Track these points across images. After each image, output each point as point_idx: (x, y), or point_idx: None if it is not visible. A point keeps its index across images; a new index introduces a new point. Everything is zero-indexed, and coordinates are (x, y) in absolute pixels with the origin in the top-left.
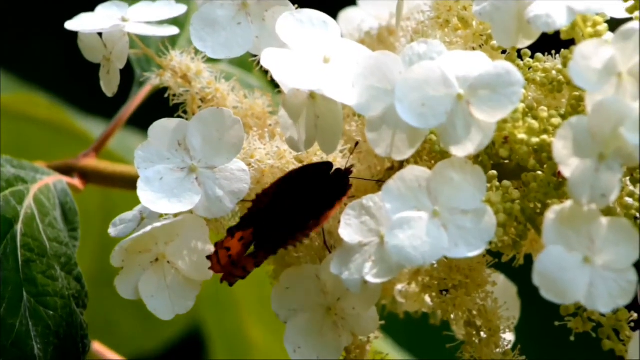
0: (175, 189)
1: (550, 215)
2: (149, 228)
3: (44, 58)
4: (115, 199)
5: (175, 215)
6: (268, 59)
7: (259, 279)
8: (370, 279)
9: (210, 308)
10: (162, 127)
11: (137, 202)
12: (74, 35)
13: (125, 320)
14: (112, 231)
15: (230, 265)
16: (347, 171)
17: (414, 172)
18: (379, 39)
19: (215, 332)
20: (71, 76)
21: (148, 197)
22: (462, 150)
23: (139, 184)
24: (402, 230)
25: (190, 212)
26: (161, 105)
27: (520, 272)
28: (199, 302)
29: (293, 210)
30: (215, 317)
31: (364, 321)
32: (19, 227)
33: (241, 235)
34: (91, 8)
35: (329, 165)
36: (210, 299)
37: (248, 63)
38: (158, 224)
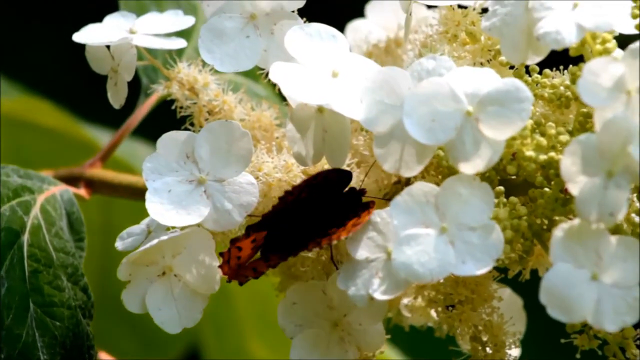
0: (184, 201)
1: (557, 232)
2: (155, 241)
3: (48, 65)
4: (115, 210)
5: (182, 228)
6: (277, 73)
7: (260, 295)
8: (377, 295)
9: (210, 326)
10: (171, 139)
11: (140, 213)
12: (79, 43)
13: (124, 343)
14: (119, 244)
15: (237, 268)
16: (361, 191)
17: (422, 188)
18: (387, 51)
19: (214, 349)
20: (76, 84)
21: (156, 209)
22: (471, 166)
23: (147, 195)
24: (409, 246)
25: (198, 225)
26: (167, 115)
27: (525, 287)
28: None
29: (309, 218)
30: (215, 335)
31: (370, 336)
32: (25, 238)
33: (254, 237)
34: (100, 13)
35: (349, 175)
36: (211, 317)
37: (255, 72)
38: (165, 237)
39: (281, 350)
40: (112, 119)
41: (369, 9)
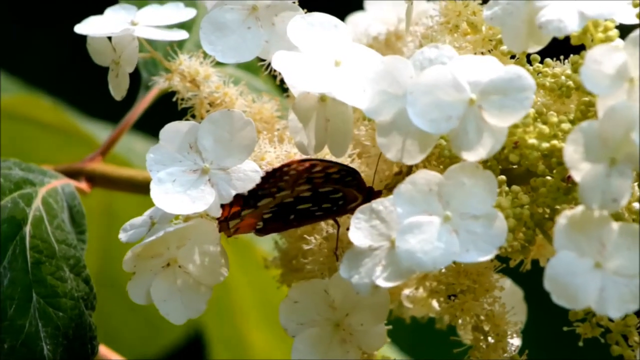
0: (189, 190)
1: (561, 220)
2: (161, 233)
3: (49, 60)
4: (116, 201)
5: (187, 218)
6: (279, 62)
7: (259, 282)
8: (380, 283)
9: (211, 312)
10: (174, 129)
11: (141, 204)
12: (79, 37)
13: (126, 326)
14: (122, 236)
15: (235, 230)
16: (379, 193)
17: (425, 177)
18: (387, 44)
19: (215, 336)
20: (75, 79)
21: (161, 198)
22: (474, 155)
23: (152, 186)
24: (412, 234)
25: (201, 215)
26: (166, 110)
27: (526, 276)
28: None
29: (313, 206)
30: (215, 321)
31: (372, 337)
32: (27, 229)
33: (252, 210)
34: (99, 9)
35: (364, 187)
36: (211, 304)
37: (255, 66)
38: (170, 229)
39: (279, 336)
40: (111, 114)
41: (368, 2)
